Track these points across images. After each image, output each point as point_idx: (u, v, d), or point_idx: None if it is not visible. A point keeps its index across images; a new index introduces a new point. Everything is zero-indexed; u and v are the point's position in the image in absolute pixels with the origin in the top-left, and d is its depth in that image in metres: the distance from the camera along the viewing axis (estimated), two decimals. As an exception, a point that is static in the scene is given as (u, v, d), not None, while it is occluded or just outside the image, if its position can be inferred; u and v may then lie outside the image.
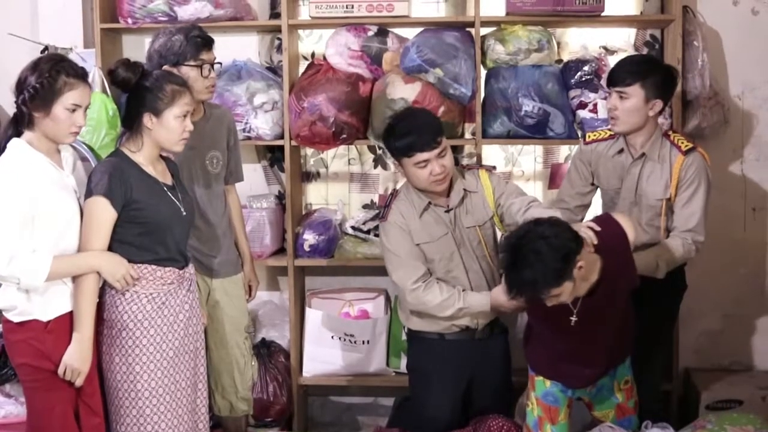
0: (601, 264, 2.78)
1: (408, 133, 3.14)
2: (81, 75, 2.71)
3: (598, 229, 2.78)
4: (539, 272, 2.63)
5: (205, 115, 3.37)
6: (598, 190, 3.50)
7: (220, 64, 3.33)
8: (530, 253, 2.64)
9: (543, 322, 3.02)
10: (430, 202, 3.26)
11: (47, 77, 2.63)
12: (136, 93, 2.83)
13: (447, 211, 3.26)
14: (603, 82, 3.88)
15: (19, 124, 2.68)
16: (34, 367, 2.69)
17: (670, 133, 3.37)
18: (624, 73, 3.23)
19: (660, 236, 3.28)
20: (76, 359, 2.69)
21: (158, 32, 3.28)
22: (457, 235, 3.26)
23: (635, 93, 3.20)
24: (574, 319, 2.85)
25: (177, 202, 2.90)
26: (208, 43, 3.24)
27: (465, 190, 3.27)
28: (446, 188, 3.24)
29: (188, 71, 3.18)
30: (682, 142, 3.28)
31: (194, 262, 3.33)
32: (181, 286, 2.92)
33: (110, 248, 2.76)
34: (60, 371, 2.69)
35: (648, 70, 3.23)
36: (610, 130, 3.39)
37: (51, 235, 2.66)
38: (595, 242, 2.76)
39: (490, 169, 3.39)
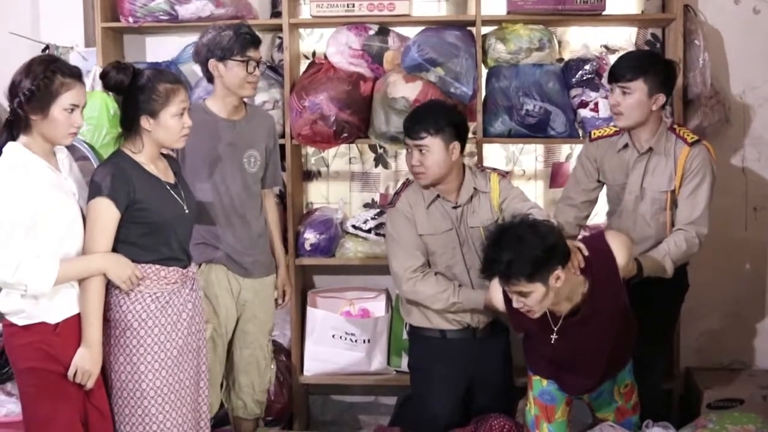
0: (587, 287, 2.79)
1: (410, 116, 3.27)
2: (76, 74, 2.68)
3: (586, 253, 2.78)
4: (516, 254, 2.64)
5: (247, 115, 3.43)
6: (604, 187, 3.50)
7: (266, 64, 3.36)
8: (514, 237, 2.69)
9: (526, 334, 3.03)
10: (438, 195, 3.27)
11: (43, 79, 2.59)
12: (131, 96, 2.82)
13: (455, 207, 3.27)
14: (604, 80, 3.87)
15: (14, 128, 2.65)
16: (42, 370, 2.66)
17: (676, 126, 3.37)
18: (626, 69, 3.23)
19: (665, 231, 3.28)
20: (87, 361, 2.69)
21: (207, 28, 3.35)
22: (461, 232, 3.26)
23: (638, 88, 3.19)
24: (554, 337, 2.86)
25: (180, 201, 2.90)
26: (255, 42, 3.31)
27: (475, 188, 3.28)
28: (456, 184, 3.26)
29: (234, 66, 3.26)
30: (688, 135, 3.29)
31: (227, 260, 3.36)
32: (185, 285, 2.92)
33: (114, 249, 2.76)
34: (70, 373, 2.67)
35: (650, 65, 3.24)
36: (614, 126, 3.40)
37: (54, 239, 2.64)
38: (582, 265, 2.77)
39: (503, 174, 3.39)
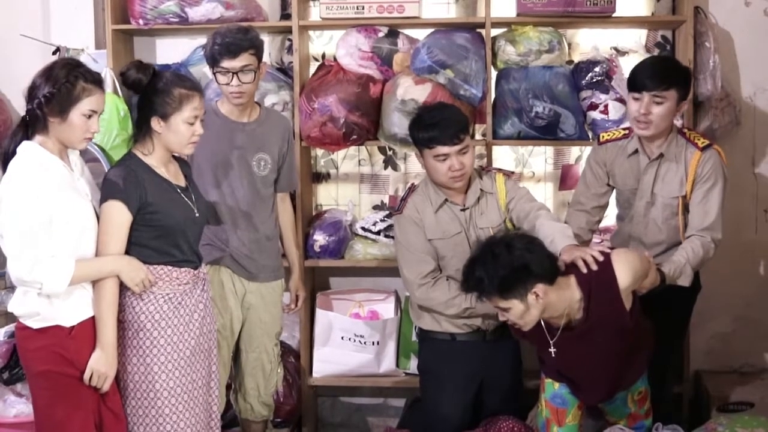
0: (585, 305, 2.77)
1: (433, 125, 3.17)
2: (98, 81, 2.69)
3: (584, 270, 2.77)
4: (486, 273, 2.69)
5: (260, 118, 3.41)
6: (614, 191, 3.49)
7: (254, 70, 3.26)
8: (489, 254, 2.72)
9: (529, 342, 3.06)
10: (446, 199, 3.26)
11: (65, 83, 2.60)
12: (146, 96, 2.83)
13: (462, 210, 3.27)
14: (614, 83, 3.87)
15: (30, 127, 2.66)
16: (57, 373, 2.66)
17: (686, 130, 3.35)
18: (660, 78, 3.13)
19: (677, 236, 3.27)
20: (103, 363, 2.69)
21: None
22: (471, 235, 3.26)
23: (671, 97, 3.13)
24: (553, 350, 2.86)
25: (190, 204, 2.91)
26: (231, 51, 3.21)
27: (482, 190, 3.28)
28: (464, 186, 3.25)
29: (217, 76, 3.26)
30: (699, 139, 3.26)
31: (231, 263, 3.36)
32: (196, 286, 2.93)
33: (126, 251, 2.77)
34: (86, 377, 2.68)
35: (679, 74, 3.20)
36: (624, 129, 3.38)
37: (69, 239, 2.65)
38: (584, 271, 2.77)
39: (509, 173, 3.38)
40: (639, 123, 3.18)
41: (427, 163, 3.22)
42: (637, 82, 3.17)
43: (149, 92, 2.82)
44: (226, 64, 3.22)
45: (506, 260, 2.68)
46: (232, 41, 3.22)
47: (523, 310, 2.71)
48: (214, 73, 3.29)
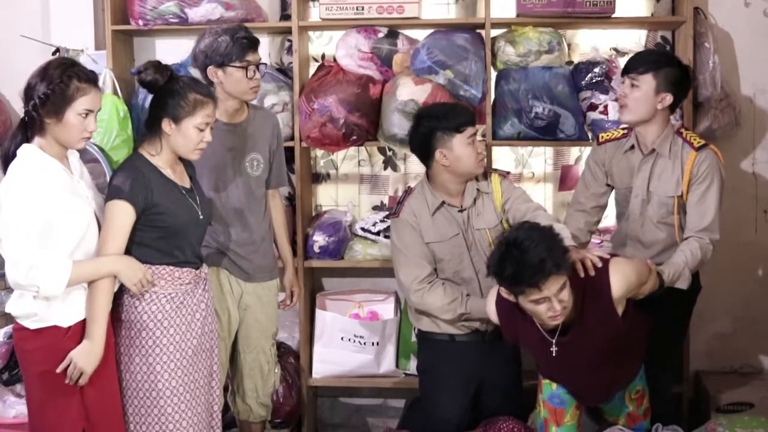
0: (579, 308, 2.77)
1: (453, 110, 3.25)
2: (92, 79, 2.68)
3: (592, 273, 2.77)
4: (543, 251, 2.58)
5: (249, 117, 3.39)
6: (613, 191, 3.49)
7: (265, 64, 3.34)
8: (526, 239, 2.63)
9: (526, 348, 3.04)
10: (443, 201, 3.26)
11: (59, 83, 2.59)
12: (160, 96, 2.84)
13: (460, 211, 3.27)
14: (614, 83, 3.87)
15: (29, 129, 2.65)
16: (53, 374, 2.65)
17: (683, 130, 3.34)
18: (639, 62, 3.24)
19: (674, 235, 3.26)
20: (84, 358, 2.67)
21: (204, 32, 3.29)
22: (468, 237, 3.26)
23: (646, 82, 3.19)
24: (554, 349, 2.84)
25: (195, 206, 2.91)
26: (254, 45, 3.24)
27: (478, 190, 3.28)
28: (463, 188, 3.26)
29: (233, 72, 3.20)
30: (695, 139, 3.26)
31: (229, 264, 3.37)
32: (197, 285, 2.94)
33: (129, 251, 2.78)
34: (64, 364, 2.65)
35: (663, 63, 3.24)
36: (622, 129, 3.39)
37: (70, 242, 2.65)
38: (582, 275, 2.76)
39: (504, 174, 3.38)
40: (620, 108, 3.30)
41: (457, 152, 3.18)
42: (624, 68, 3.31)
43: (164, 93, 2.82)
44: (251, 57, 3.22)
45: (547, 235, 2.66)
46: (250, 35, 3.25)
47: (569, 291, 2.67)
48: (226, 69, 3.19)
